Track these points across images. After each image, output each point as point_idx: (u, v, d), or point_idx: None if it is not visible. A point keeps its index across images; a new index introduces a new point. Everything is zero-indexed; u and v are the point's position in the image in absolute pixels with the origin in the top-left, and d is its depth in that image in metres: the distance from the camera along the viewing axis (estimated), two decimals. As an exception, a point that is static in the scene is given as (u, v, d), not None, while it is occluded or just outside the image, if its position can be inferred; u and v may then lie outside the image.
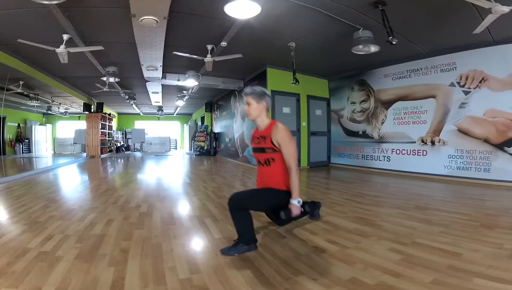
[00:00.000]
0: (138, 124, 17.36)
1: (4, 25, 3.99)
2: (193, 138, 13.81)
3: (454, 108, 5.05)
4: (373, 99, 6.52)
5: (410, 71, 5.72)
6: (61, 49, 4.10)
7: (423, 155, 5.57)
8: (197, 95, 10.21)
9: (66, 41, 4.15)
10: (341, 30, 4.11)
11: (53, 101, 10.33)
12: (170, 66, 6.18)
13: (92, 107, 11.03)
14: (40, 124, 13.77)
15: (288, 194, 1.90)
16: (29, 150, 12.48)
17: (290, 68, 5.64)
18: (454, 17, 3.67)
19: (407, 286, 1.49)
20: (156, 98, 10.28)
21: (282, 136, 1.87)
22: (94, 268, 1.68)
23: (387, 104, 6.20)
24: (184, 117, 18.48)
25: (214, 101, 12.08)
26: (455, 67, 5.02)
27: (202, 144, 12.48)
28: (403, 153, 5.93)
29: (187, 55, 4.68)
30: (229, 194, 3.87)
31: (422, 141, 5.57)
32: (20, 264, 1.70)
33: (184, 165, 8.59)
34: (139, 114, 16.20)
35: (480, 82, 4.70)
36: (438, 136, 5.31)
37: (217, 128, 12.00)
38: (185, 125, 17.99)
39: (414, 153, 5.73)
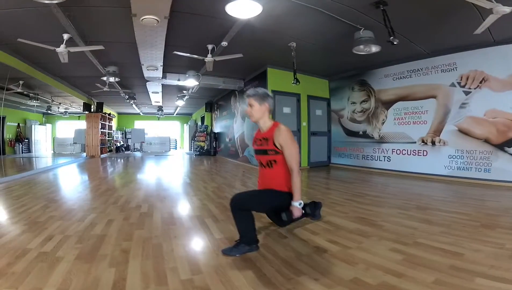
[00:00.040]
0: (138, 124, 17.35)
1: (4, 25, 3.98)
2: (193, 138, 13.80)
3: (455, 108, 5.05)
4: (374, 99, 6.52)
5: (411, 71, 5.72)
6: (61, 49, 4.09)
7: (423, 155, 5.57)
8: (197, 95, 10.20)
9: (66, 41, 4.14)
10: (342, 30, 4.11)
11: (53, 100, 10.32)
12: (170, 66, 6.17)
13: (92, 107, 11.02)
14: (40, 124, 13.75)
15: (289, 196, 1.90)
16: (29, 150, 12.46)
17: (291, 68, 5.63)
18: (455, 17, 3.66)
19: (409, 286, 1.48)
20: (156, 98, 10.27)
21: (284, 138, 1.86)
22: (94, 269, 1.67)
23: (388, 104, 6.20)
24: (184, 117, 18.47)
25: (214, 101, 12.08)
26: (455, 67, 5.02)
27: (202, 144, 12.47)
28: (403, 153, 5.93)
29: (188, 54, 4.67)
30: (230, 194, 3.91)
31: (423, 141, 5.57)
32: (20, 265, 1.69)
33: (184, 165, 8.58)
34: (139, 114, 16.19)
35: (480, 82, 4.69)
36: (439, 136, 5.31)
37: (217, 128, 11.99)
38: (185, 125, 17.98)
39: (414, 153, 5.72)
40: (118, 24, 3.97)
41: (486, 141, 4.67)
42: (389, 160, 6.21)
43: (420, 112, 5.61)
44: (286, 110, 6.80)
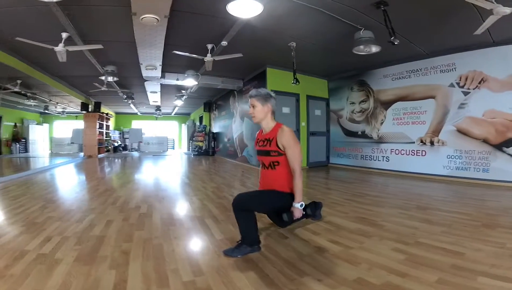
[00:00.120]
0: (136, 124, 17.27)
1: (2, 23, 3.94)
2: (191, 138, 13.76)
3: (454, 108, 5.07)
4: (373, 100, 6.53)
5: (410, 71, 5.73)
6: (59, 48, 4.05)
7: (422, 155, 5.59)
8: (195, 95, 10.17)
9: (65, 40, 4.10)
10: (342, 30, 4.11)
11: (51, 100, 10.23)
12: (169, 65, 6.14)
13: (90, 106, 10.95)
14: (37, 124, 13.67)
15: (291, 197, 1.89)
16: (26, 149, 12.39)
17: (290, 68, 5.63)
18: (455, 17, 3.67)
19: (413, 285, 1.48)
20: (154, 97, 10.22)
21: (287, 139, 1.85)
22: (94, 271, 1.64)
23: (387, 104, 6.21)
24: (182, 117, 18.42)
25: (213, 101, 12.05)
26: (454, 68, 5.04)
27: (200, 144, 12.43)
28: (402, 153, 5.94)
29: (187, 54, 4.65)
30: (229, 194, 3.91)
31: (421, 141, 5.59)
32: (18, 267, 1.66)
33: (183, 165, 8.55)
34: (136, 113, 16.12)
35: (479, 82, 4.72)
36: (437, 136, 5.33)
37: (215, 128, 11.96)
38: (183, 125, 17.92)
39: (413, 154, 5.74)
40: (118, 23, 3.94)
41: (485, 141, 4.69)
42: (387, 160, 6.22)
43: (419, 112, 5.63)
44: (285, 110, 6.79)
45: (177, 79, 7.08)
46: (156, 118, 16.92)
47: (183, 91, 9.45)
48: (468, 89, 4.87)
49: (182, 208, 3.30)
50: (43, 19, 3.74)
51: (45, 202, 3.37)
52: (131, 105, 12.32)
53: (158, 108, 13.81)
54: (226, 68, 6.44)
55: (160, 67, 5.76)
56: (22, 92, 8.14)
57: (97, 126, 10.94)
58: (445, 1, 3.22)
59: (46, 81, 6.98)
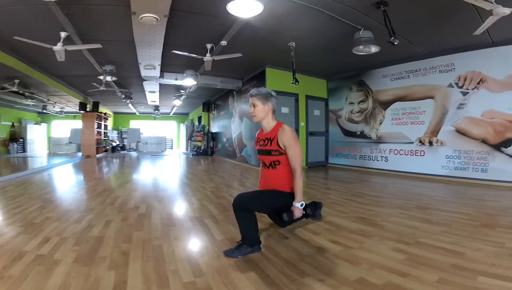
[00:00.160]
0: (134, 124, 17.21)
1: (2, 23, 3.91)
2: (190, 137, 13.73)
3: (452, 109, 5.09)
4: (371, 100, 6.54)
5: (409, 71, 5.74)
6: (58, 47, 4.02)
7: (420, 155, 5.60)
8: (194, 95, 10.15)
9: (63, 39, 4.08)
10: (342, 30, 4.11)
11: (49, 100, 10.18)
12: (168, 65, 6.12)
13: (88, 106, 10.90)
14: (35, 123, 13.60)
15: (292, 196, 1.88)
16: (24, 149, 12.31)
17: (289, 68, 5.63)
18: (454, 18, 3.68)
19: (414, 285, 1.49)
20: (153, 97, 10.19)
21: (288, 138, 1.85)
22: (94, 272, 1.63)
23: (385, 104, 6.22)
24: (181, 116, 18.37)
25: (212, 101, 12.03)
26: (453, 68, 5.05)
27: (199, 143, 12.41)
28: (400, 153, 5.95)
29: (186, 54, 4.63)
30: (229, 195, 3.90)
31: (420, 141, 5.60)
32: (17, 268, 1.65)
33: (181, 165, 8.53)
34: (134, 113, 16.07)
35: (478, 83, 4.73)
36: (436, 136, 5.34)
37: (214, 128, 11.94)
38: (181, 124, 17.88)
39: (412, 154, 5.75)
40: (117, 22, 3.92)
41: (483, 141, 4.71)
42: (386, 160, 6.23)
43: (417, 113, 5.64)
44: (285, 110, 6.79)
45: (176, 79, 7.06)
46: (155, 118, 16.87)
47: (182, 91, 9.43)
48: (467, 89, 4.89)
49: (181, 209, 3.29)
50: (42, 18, 3.72)
51: (43, 203, 3.35)
52: (130, 105, 12.28)
53: (156, 108, 13.77)
54: (225, 68, 6.43)
55: (159, 66, 5.74)
56: (20, 91, 8.08)
57: (95, 126, 10.90)
58: (445, 1, 3.23)
59: (45, 80, 6.94)
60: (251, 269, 1.70)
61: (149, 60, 5.29)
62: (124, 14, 3.49)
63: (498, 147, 4.55)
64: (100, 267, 1.70)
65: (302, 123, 7.11)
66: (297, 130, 6.98)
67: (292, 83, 5.62)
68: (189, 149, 13.67)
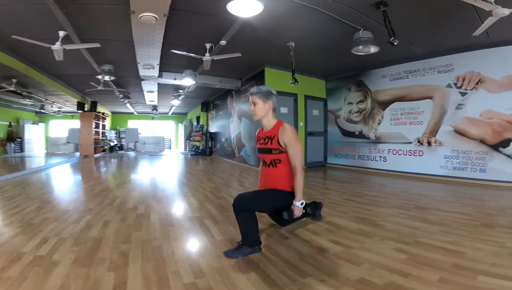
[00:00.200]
0: (132, 124, 17.15)
1: (1, 23, 3.88)
2: (188, 137, 13.69)
3: (451, 109, 5.10)
4: (370, 100, 6.55)
5: (408, 72, 5.76)
6: (56, 46, 3.99)
7: (419, 155, 5.61)
8: (193, 95, 10.12)
9: (62, 38, 4.05)
10: (342, 30, 4.10)
11: (47, 99, 10.11)
12: (167, 64, 6.10)
13: (86, 106, 10.84)
14: (32, 123, 13.51)
15: (292, 195, 1.88)
16: (21, 149, 12.23)
17: (288, 68, 5.62)
18: (454, 18, 3.69)
19: (415, 285, 1.49)
20: (151, 97, 10.15)
21: (289, 137, 1.84)
22: (93, 273, 1.62)
23: (384, 104, 6.23)
24: (179, 116, 18.32)
25: (211, 101, 12.00)
26: (452, 69, 5.07)
27: (197, 143, 12.38)
28: (399, 153, 5.97)
29: (185, 53, 4.62)
30: (228, 194, 3.89)
31: (419, 141, 5.61)
32: (15, 269, 1.63)
33: (180, 165, 8.51)
34: (132, 113, 16.00)
35: (477, 83, 4.75)
36: (435, 136, 5.36)
37: (213, 128, 11.92)
38: (179, 124, 17.83)
39: (410, 154, 5.76)
40: (116, 21, 3.89)
41: (482, 141, 4.73)
42: (385, 160, 6.24)
43: (416, 113, 5.66)
44: (284, 110, 6.78)
45: (175, 79, 7.03)
46: (153, 118, 16.81)
47: (180, 91, 9.40)
48: (466, 89, 4.91)
49: (180, 209, 3.27)
50: (41, 17, 3.69)
51: (41, 203, 3.32)
52: (128, 105, 12.23)
53: (154, 107, 13.73)
54: (224, 67, 6.41)
55: (158, 66, 5.71)
56: (18, 91, 8.02)
57: (93, 126, 10.84)
58: (444, 2, 3.24)
59: (42, 80, 6.88)
60: (251, 270, 1.69)
61: (148, 60, 5.26)
62: (123, 13, 3.47)
63: (497, 147, 4.57)
64: (99, 268, 1.68)
65: (301, 123, 7.11)
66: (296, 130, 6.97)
67: (291, 83, 5.62)
68: (187, 149, 13.63)
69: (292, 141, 1.83)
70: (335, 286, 1.49)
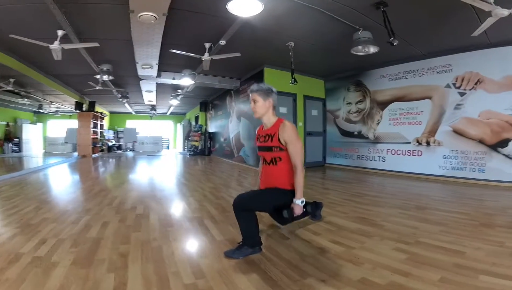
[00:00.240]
0: (130, 123, 17.09)
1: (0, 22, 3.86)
2: (187, 137, 13.66)
3: (450, 109, 5.12)
4: (369, 100, 6.55)
5: (406, 72, 5.77)
6: (55, 46, 3.97)
7: (418, 155, 5.62)
8: (192, 94, 10.09)
9: (60, 38, 4.02)
10: (342, 31, 4.10)
11: (45, 99, 10.05)
12: (166, 64, 6.08)
13: (84, 105, 10.79)
14: (30, 123, 13.43)
15: (292, 194, 1.86)
16: (19, 149, 12.15)
17: (288, 68, 5.62)
18: (453, 18, 3.69)
19: (417, 285, 1.49)
20: (149, 97, 10.12)
21: (289, 134, 1.83)
22: (93, 274, 1.60)
23: (383, 104, 6.24)
24: (178, 116, 18.28)
25: (209, 101, 11.98)
26: (451, 69, 5.08)
27: (196, 143, 12.36)
28: (398, 153, 5.98)
29: (184, 53, 4.60)
30: (227, 194, 3.88)
31: (418, 141, 5.62)
32: (13, 270, 1.61)
33: (178, 165, 8.48)
34: (131, 113, 15.95)
35: (475, 83, 4.77)
36: (434, 136, 5.37)
37: (211, 128, 11.90)
38: (178, 124, 17.79)
39: (409, 154, 5.77)
40: (115, 21, 3.87)
41: (481, 141, 4.74)
42: (384, 160, 6.25)
43: (415, 113, 5.67)
44: (283, 110, 6.77)
45: (174, 78, 7.00)
46: (151, 118, 16.76)
47: (179, 91, 9.37)
48: (464, 90, 4.92)
49: (179, 209, 3.26)
50: (39, 16, 3.67)
51: (40, 203, 3.30)
52: (126, 105, 12.18)
53: (153, 107, 13.69)
54: (223, 67, 6.39)
55: (157, 66, 5.69)
56: (16, 90, 7.97)
57: (91, 126, 10.79)
58: (444, 2, 3.24)
59: (41, 79, 6.84)
60: (252, 270, 1.68)
61: (147, 59, 5.24)
62: (122, 12, 3.44)
63: (495, 147, 4.59)
64: (98, 269, 1.67)
65: (300, 123, 7.11)
66: (295, 130, 6.97)
67: (290, 83, 5.61)
68: (186, 149, 13.60)
69: (292, 139, 1.82)
70: (337, 286, 1.49)
